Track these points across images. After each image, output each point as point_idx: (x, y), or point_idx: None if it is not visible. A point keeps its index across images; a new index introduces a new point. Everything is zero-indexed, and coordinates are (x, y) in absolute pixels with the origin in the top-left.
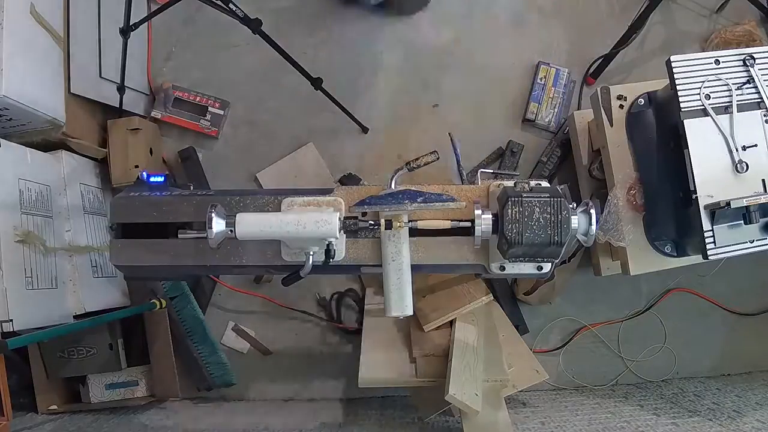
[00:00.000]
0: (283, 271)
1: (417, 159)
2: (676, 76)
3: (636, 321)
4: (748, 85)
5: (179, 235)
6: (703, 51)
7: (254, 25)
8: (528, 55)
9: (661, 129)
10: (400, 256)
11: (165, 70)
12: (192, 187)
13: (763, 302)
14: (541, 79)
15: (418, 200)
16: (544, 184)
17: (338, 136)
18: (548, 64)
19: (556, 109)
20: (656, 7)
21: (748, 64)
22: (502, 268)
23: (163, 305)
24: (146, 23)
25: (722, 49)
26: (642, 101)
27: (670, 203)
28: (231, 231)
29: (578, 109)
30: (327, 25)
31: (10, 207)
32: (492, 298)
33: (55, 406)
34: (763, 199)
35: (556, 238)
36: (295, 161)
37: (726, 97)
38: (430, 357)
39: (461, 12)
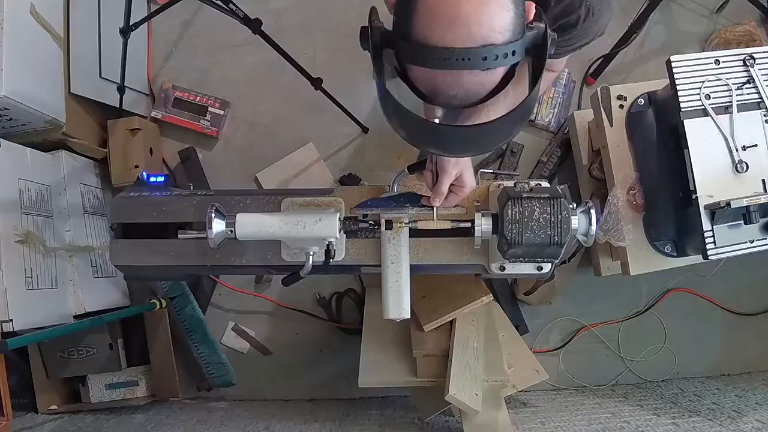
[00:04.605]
0: (283, 271)
1: (418, 163)
2: (676, 76)
3: (636, 321)
4: (748, 85)
5: (179, 235)
6: (703, 51)
7: (254, 25)
8: None
9: (661, 129)
10: (399, 259)
11: (165, 70)
12: (192, 187)
13: (763, 302)
14: None
15: (420, 204)
16: (544, 184)
17: (338, 136)
18: None
19: (556, 109)
20: (656, 7)
21: (748, 64)
22: (502, 268)
23: (163, 305)
24: (146, 23)
25: (722, 49)
26: (642, 101)
27: (670, 203)
28: (231, 231)
29: (578, 109)
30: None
31: (10, 207)
32: (492, 298)
33: (55, 406)
34: (763, 199)
35: (556, 238)
36: (295, 161)
37: (726, 97)
38: (430, 357)
39: None
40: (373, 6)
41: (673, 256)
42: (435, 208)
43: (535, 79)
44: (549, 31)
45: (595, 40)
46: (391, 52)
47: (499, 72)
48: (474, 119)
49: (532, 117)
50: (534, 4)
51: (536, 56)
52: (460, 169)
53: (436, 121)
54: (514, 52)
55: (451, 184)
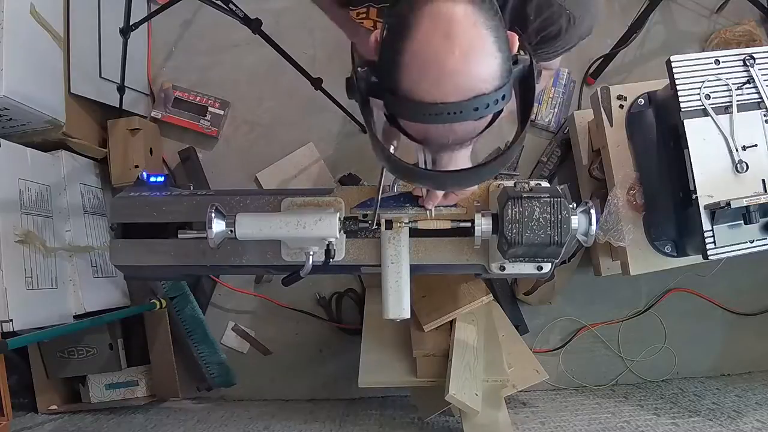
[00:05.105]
0: (283, 271)
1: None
2: (676, 76)
3: (636, 321)
4: (748, 85)
5: (179, 235)
6: (703, 51)
7: (254, 25)
8: None
9: (661, 129)
10: (399, 259)
11: (165, 70)
12: (192, 187)
13: (763, 302)
14: None
15: (420, 204)
16: (544, 184)
17: (338, 136)
18: None
19: (556, 109)
20: (656, 7)
21: (748, 64)
22: (502, 268)
23: (163, 305)
24: (146, 23)
25: (722, 49)
26: (642, 101)
27: (670, 203)
28: (231, 231)
29: (578, 109)
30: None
31: (10, 207)
32: (492, 298)
33: (55, 406)
34: (763, 199)
35: (556, 238)
36: (295, 161)
37: (726, 97)
38: (430, 357)
39: None
40: (353, 51)
41: (673, 256)
42: (431, 208)
43: (525, 119)
44: (535, 63)
45: (586, 41)
46: (380, 102)
47: (490, 116)
48: (463, 156)
49: (532, 117)
50: (516, 35)
51: (525, 90)
52: None
53: (429, 162)
54: (503, 97)
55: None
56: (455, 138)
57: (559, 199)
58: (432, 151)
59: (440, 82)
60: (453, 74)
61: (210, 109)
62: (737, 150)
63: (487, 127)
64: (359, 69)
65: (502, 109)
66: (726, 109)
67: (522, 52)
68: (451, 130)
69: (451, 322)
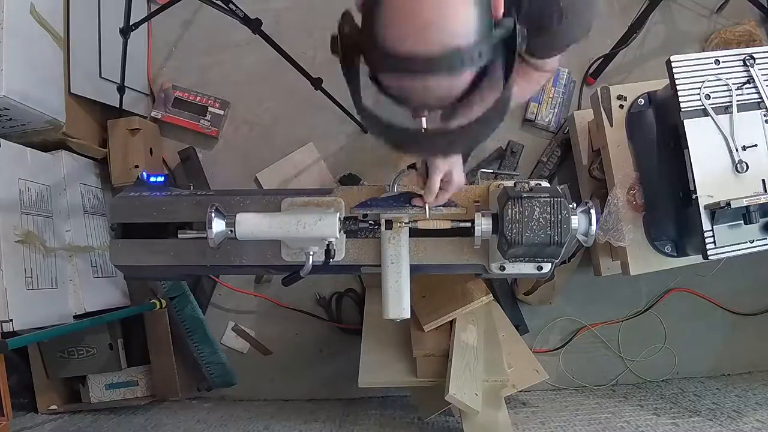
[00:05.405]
0: (283, 271)
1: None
2: (676, 76)
3: (636, 321)
4: (748, 85)
5: (179, 235)
6: (703, 51)
7: (254, 25)
8: None
9: (661, 129)
10: (399, 259)
11: (165, 70)
12: (192, 187)
13: (763, 302)
14: None
15: (420, 204)
16: (544, 184)
17: (338, 136)
18: None
19: (556, 109)
20: (656, 7)
21: (748, 64)
22: (502, 268)
23: (163, 305)
24: (146, 23)
25: (722, 49)
26: (642, 101)
27: (670, 203)
28: (231, 231)
29: (578, 109)
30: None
31: (10, 207)
32: (492, 298)
33: (55, 406)
34: (763, 199)
35: (556, 238)
36: (295, 161)
37: (726, 97)
38: (430, 357)
39: None
40: (346, 10)
41: (673, 256)
42: (427, 208)
43: (507, 75)
44: (519, 26)
45: (586, 39)
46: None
47: (468, 74)
48: (458, 117)
49: (532, 117)
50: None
51: (508, 52)
52: (449, 165)
53: (423, 122)
54: (480, 54)
55: (441, 181)
56: (431, 96)
57: (559, 199)
58: (413, 108)
59: (413, 33)
60: (426, 25)
61: (210, 109)
62: (737, 150)
63: (468, 94)
64: (341, 21)
65: (483, 72)
66: (726, 109)
67: (506, 19)
68: (426, 87)
69: (451, 322)
